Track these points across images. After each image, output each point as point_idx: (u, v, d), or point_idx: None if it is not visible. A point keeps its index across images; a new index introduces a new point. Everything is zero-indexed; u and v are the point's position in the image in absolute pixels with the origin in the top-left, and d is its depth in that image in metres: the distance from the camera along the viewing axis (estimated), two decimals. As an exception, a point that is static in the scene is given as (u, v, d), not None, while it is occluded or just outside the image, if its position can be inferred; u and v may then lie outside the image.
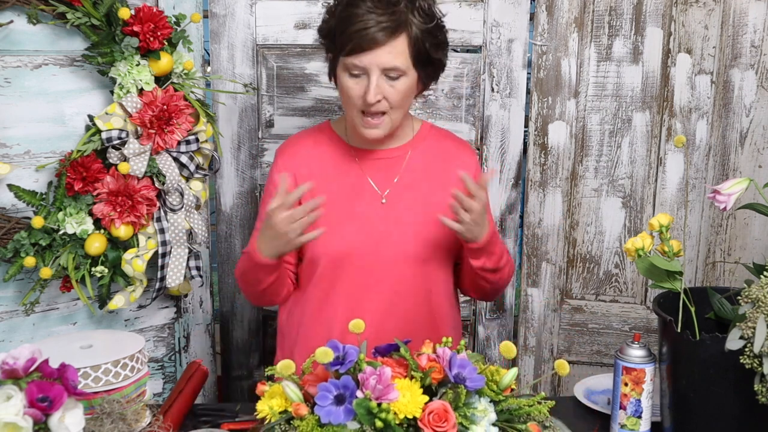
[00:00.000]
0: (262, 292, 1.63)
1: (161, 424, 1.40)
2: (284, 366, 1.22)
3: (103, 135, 1.75)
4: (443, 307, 1.69)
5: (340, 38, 1.50)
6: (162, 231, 1.85)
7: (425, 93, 2.17)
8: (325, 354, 1.16)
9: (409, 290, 1.61)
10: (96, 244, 1.76)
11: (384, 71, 1.49)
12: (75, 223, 1.74)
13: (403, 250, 1.61)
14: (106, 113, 1.78)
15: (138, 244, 1.83)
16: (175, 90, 1.84)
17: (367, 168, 1.64)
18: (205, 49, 2.13)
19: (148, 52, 1.79)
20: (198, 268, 1.95)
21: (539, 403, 1.25)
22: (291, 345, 1.70)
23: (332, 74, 1.62)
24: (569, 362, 1.70)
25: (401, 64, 1.49)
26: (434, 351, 1.25)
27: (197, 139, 1.89)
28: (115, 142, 1.76)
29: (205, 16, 2.10)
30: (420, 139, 1.69)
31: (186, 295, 2.09)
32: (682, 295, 1.33)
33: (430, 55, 1.54)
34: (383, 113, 1.54)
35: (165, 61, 1.81)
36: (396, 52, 1.48)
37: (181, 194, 1.87)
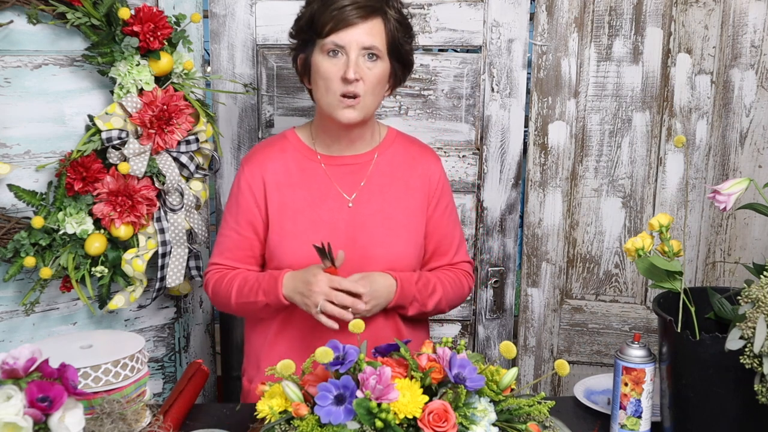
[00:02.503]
0: (244, 313, 1.68)
1: (161, 424, 1.40)
2: (284, 366, 1.22)
3: (103, 135, 1.75)
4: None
5: (320, 20, 1.54)
6: (162, 231, 1.85)
7: (425, 93, 2.18)
8: (325, 354, 1.16)
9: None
10: (96, 244, 1.76)
11: (363, 50, 1.53)
12: (75, 223, 1.74)
13: (369, 255, 1.61)
14: (106, 113, 1.78)
15: (138, 244, 1.83)
16: (175, 90, 1.84)
17: (333, 173, 1.65)
18: (205, 49, 2.13)
19: (148, 52, 1.79)
20: (198, 268, 1.95)
21: (539, 403, 1.25)
22: (258, 355, 1.68)
23: (305, 71, 1.64)
24: (569, 362, 1.70)
25: (378, 44, 1.54)
26: (434, 351, 1.25)
27: (197, 139, 1.89)
28: (115, 142, 1.76)
29: (205, 16, 2.11)
30: (386, 144, 1.70)
31: (186, 295, 2.09)
32: (682, 295, 1.33)
33: (402, 47, 1.59)
34: (358, 96, 1.55)
35: (165, 61, 1.81)
36: (373, 33, 1.54)
37: (181, 194, 1.87)
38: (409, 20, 1.63)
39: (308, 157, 1.66)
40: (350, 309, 1.49)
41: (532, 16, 2.16)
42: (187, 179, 1.91)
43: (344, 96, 1.54)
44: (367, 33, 1.53)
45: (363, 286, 1.51)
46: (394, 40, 1.57)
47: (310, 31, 1.58)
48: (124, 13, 1.73)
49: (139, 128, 1.79)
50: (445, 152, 2.18)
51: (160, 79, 1.84)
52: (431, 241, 1.70)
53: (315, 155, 1.66)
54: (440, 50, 2.21)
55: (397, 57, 1.60)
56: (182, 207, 1.88)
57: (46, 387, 1.12)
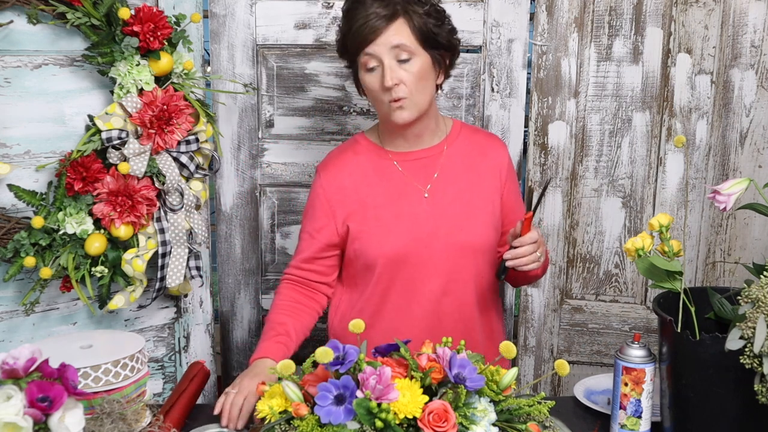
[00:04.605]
0: None
1: (161, 424, 1.40)
2: (284, 366, 1.22)
3: (103, 135, 1.75)
4: (491, 291, 1.76)
5: (348, 42, 1.61)
6: (162, 231, 1.85)
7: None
8: (325, 354, 1.16)
9: (462, 277, 1.69)
10: (96, 244, 1.76)
11: (393, 51, 1.57)
12: (75, 223, 1.74)
13: (453, 242, 1.67)
14: (106, 113, 1.78)
15: (138, 244, 1.83)
16: (175, 90, 1.84)
17: (406, 168, 1.71)
18: (205, 49, 2.13)
19: (148, 52, 1.79)
20: (198, 268, 1.95)
21: (539, 403, 1.25)
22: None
23: (359, 87, 1.70)
24: (569, 362, 1.71)
25: (406, 41, 1.57)
26: (434, 351, 1.25)
27: (197, 139, 1.89)
28: (115, 142, 1.76)
29: (205, 16, 2.10)
30: (454, 136, 1.75)
31: (186, 295, 2.09)
32: (682, 295, 1.33)
33: (437, 35, 1.61)
34: (405, 97, 1.60)
35: (165, 61, 1.81)
36: (398, 33, 1.57)
37: (181, 194, 1.87)
38: (438, 5, 1.64)
39: (381, 156, 1.72)
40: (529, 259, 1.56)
41: (532, 16, 2.16)
42: (187, 179, 1.91)
43: (392, 101, 1.60)
44: (392, 35, 1.57)
45: (534, 234, 1.56)
46: (424, 32, 1.59)
47: (346, 54, 1.66)
48: (124, 13, 1.73)
49: (139, 128, 1.79)
50: (445, 152, 2.18)
51: (160, 79, 1.83)
52: (509, 223, 1.77)
53: (387, 154, 1.72)
54: (440, 50, 2.20)
55: (434, 45, 1.62)
56: (182, 207, 1.88)
57: (46, 387, 1.12)
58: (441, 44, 1.63)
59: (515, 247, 1.55)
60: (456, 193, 1.70)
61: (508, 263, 1.55)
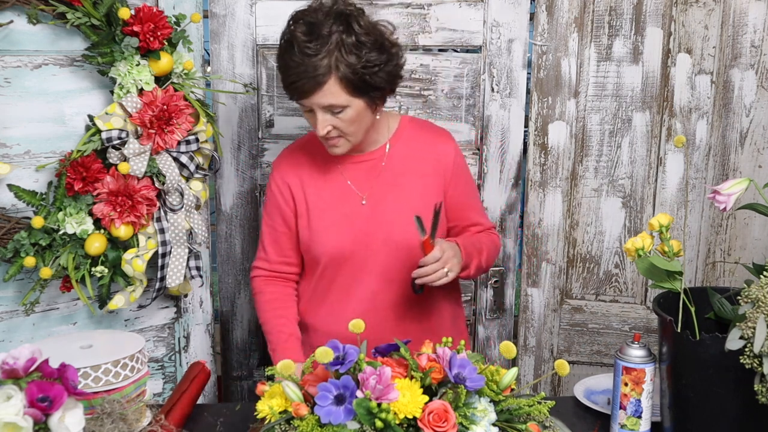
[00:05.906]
0: None
1: (163, 423, 1.41)
2: (284, 366, 1.22)
3: (103, 135, 1.75)
4: (433, 291, 1.74)
5: (284, 87, 1.63)
6: (162, 231, 1.85)
7: (425, 93, 2.18)
8: (325, 354, 1.16)
9: (397, 276, 1.71)
10: (96, 244, 1.76)
11: (324, 109, 1.58)
12: (75, 223, 1.74)
13: (390, 242, 1.70)
14: (106, 113, 1.78)
15: (138, 244, 1.83)
16: (175, 90, 1.84)
17: (348, 173, 1.74)
18: (205, 49, 2.13)
19: (148, 52, 1.79)
20: (198, 268, 1.95)
21: (539, 403, 1.25)
22: (305, 331, 1.83)
23: None
24: (569, 362, 1.70)
25: (337, 101, 1.57)
26: (434, 351, 1.25)
27: (197, 139, 1.89)
28: (115, 142, 1.76)
29: (205, 16, 2.10)
30: (397, 137, 1.76)
31: (186, 295, 2.09)
32: (682, 295, 1.33)
33: (371, 79, 1.57)
34: (339, 136, 1.64)
35: (165, 61, 1.81)
36: (328, 94, 1.56)
37: (181, 194, 1.87)
38: (376, 45, 1.56)
39: (327, 159, 1.75)
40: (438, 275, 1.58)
41: (532, 16, 2.16)
42: (187, 179, 1.91)
43: (324, 138, 1.65)
44: (322, 96, 1.56)
45: (437, 252, 1.57)
46: (355, 84, 1.56)
47: None
48: (124, 13, 1.73)
49: (139, 128, 1.79)
50: (445, 152, 2.18)
51: (160, 79, 1.83)
52: (458, 218, 1.78)
53: (332, 156, 1.73)
54: (440, 50, 2.21)
55: (371, 90, 1.59)
56: (182, 207, 1.88)
57: (46, 387, 1.12)
58: (380, 87, 1.60)
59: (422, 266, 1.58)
60: (396, 194, 1.72)
61: (417, 281, 1.60)
